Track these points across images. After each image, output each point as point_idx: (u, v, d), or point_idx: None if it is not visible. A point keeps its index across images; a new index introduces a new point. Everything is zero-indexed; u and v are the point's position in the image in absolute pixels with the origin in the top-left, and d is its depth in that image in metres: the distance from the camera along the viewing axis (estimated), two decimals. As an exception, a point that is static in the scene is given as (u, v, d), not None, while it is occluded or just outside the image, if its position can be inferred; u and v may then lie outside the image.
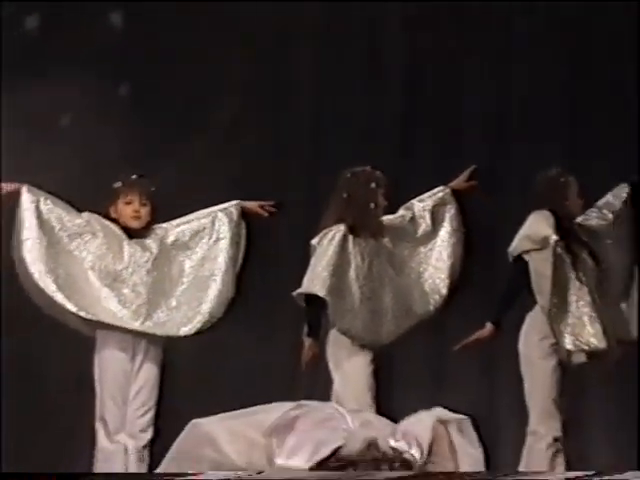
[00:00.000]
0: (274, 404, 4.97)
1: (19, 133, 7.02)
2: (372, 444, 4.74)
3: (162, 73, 7.15)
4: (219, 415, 4.93)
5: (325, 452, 4.75)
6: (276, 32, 7.39)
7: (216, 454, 4.83)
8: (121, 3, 7.53)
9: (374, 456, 4.77)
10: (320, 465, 4.75)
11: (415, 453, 4.70)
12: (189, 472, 4.29)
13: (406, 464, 4.70)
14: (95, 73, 7.17)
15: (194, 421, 4.89)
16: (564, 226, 5.96)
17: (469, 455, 4.79)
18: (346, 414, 4.94)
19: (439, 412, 4.83)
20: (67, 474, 4.81)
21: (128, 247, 5.88)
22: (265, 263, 6.62)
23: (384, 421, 5.02)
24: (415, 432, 4.75)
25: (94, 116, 7.07)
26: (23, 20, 7.43)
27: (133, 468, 5.92)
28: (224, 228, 6.08)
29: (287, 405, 4.93)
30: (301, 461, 4.82)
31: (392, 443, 4.70)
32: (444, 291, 6.16)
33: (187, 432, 4.94)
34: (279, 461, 4.77)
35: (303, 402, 5.07)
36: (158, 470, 5.20)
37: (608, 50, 7.32)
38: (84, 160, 6.96)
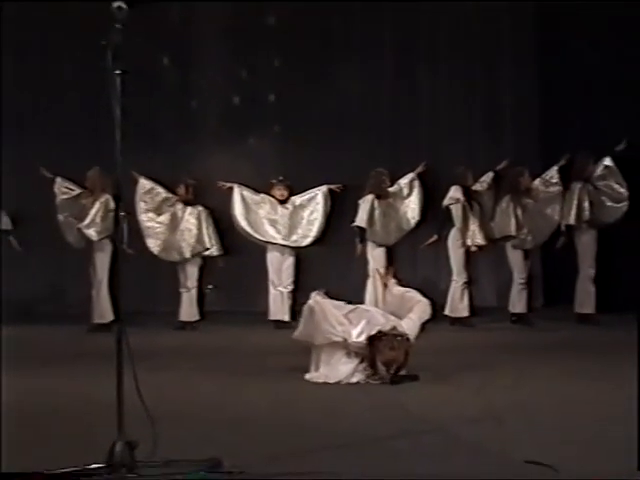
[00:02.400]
0: (353, 306, 7.72)
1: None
2: (395, 327, 7.44)
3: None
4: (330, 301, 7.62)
5: (373, 330, 7.39)
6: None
7: (327, 325, 7.33)
8: None
9: (396, 332, 7.36)
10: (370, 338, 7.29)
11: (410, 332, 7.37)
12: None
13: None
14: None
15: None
16: (466, 192, 11.35)
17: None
18: (379, 312, 7.71)
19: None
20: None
21: (280, 207, 11.50)
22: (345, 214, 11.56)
23: (392, 317, 7.60)
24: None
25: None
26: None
27: (286, 302, 11.43)
28: (320, 197, 11.64)
29: (350, 307, 7.66)
30: (362, 335, 7.33)
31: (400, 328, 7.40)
32: (413, 222, 11.57)
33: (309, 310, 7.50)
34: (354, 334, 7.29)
35: (360, 305, 8.03)
36: (295, 334, 7.70)
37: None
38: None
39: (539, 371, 8.01)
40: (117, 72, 4.73)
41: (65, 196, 11.47)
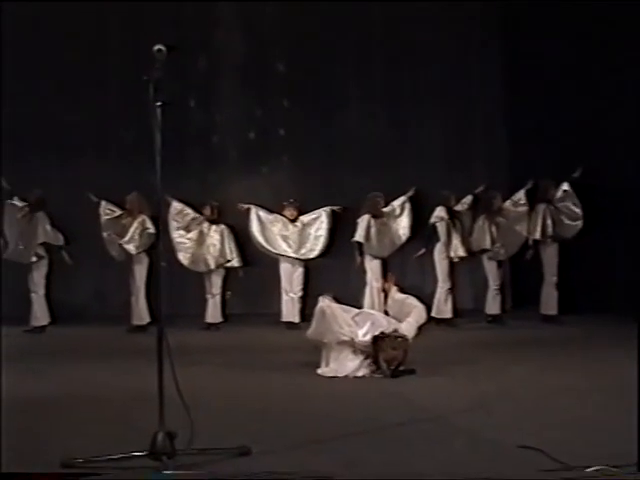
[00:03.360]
0: (359, 310, 7.72)
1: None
2: (396, 329, 7.24)
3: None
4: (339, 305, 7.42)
5: (377, 331, 7.20)
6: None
7: (337, 326, 7.14)
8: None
9: (396, 334, 7.17)
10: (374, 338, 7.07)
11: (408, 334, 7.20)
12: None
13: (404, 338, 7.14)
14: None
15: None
16: (449, 212, 11.22)
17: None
18: (382, 315, 7.63)
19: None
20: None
21: (290, 225, 11.36)
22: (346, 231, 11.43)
23: (393, 320, 7.46)
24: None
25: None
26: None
27: (297, 306, 11.25)
28: (324, 217, 11.50)
29: (356, 310, 7.59)
30: (367, 335, 7.13)
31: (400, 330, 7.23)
32: (404, 238, 11.45)
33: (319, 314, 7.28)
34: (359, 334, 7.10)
35: (365, 309, 8.51)
36: (308, 332, 7.41)
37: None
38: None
39: (517, 364, 7.83)
40: (158, 104, 4.46)
41: (108, 217, 11.34)
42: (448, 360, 8.02)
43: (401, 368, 7.13)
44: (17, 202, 11.12)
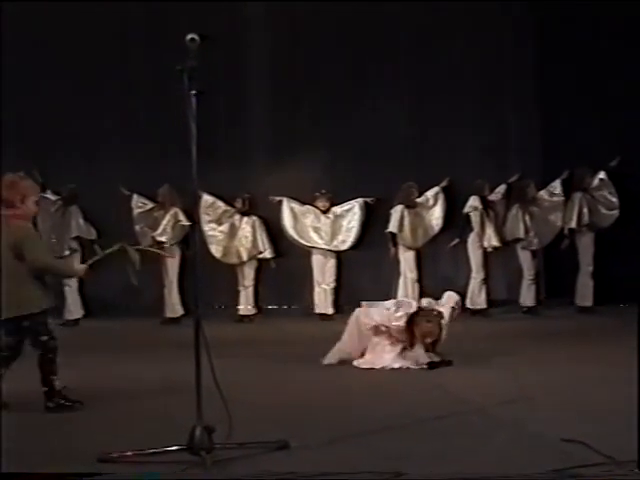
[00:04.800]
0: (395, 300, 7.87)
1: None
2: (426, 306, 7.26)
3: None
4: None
5: (413, 309, 7.19)
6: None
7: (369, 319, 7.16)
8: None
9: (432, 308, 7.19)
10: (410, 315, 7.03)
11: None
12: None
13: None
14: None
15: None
16: (483, 201, 11.08)
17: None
18: (411, 300, 7.80)
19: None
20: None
21: (322, 217, 11.26)
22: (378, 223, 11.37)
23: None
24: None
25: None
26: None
27: (329, 298, 11.11)
28: (357, 208, 11.40)
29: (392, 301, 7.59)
30: (402, 319, 7.03)
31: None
32: (437, 228, 11.31)
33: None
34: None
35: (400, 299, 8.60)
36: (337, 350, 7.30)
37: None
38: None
39: (555, 355, 7.67)
40: (193, 93, 4.35)
41: (140, 210, 11.35)
42: (485, 351, 7.87)
43: (436, 359, 7.00)
44: (50, 195, 11.16)
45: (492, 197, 11.29)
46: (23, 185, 5.59)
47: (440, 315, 7.07)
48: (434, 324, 7.02)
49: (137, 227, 11.28)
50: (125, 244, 5.51)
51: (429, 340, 7.00)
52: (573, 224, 11.07)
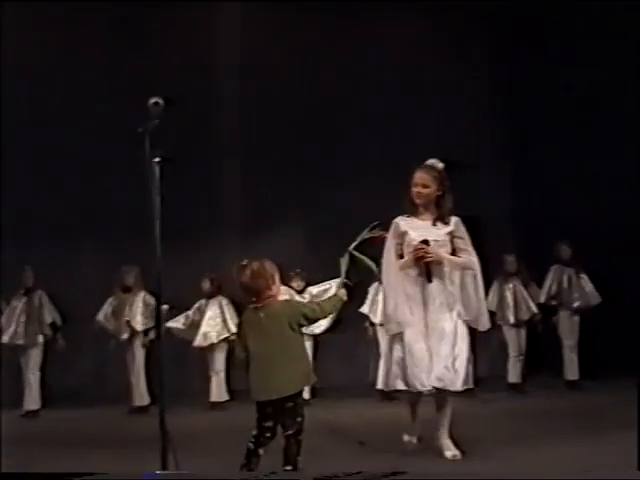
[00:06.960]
0: None
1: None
2: None
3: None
4: None
5: None
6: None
7: None
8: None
9: None
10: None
11: None
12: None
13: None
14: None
15: None
16: None
17: None
18: None
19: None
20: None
21: (297, 298, 10.50)
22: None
23: None
24: None
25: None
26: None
27: None
28: (334, 288, 10.83)
29: None
30: None
31: None
32: None
33: None
34: None
35: None
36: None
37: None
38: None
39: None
40: (156, 160, 3.86)
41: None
42: (488, 439, 7.15)
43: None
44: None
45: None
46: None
47: None
48: None
49: (104, 312, 10.80)
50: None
51: None
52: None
